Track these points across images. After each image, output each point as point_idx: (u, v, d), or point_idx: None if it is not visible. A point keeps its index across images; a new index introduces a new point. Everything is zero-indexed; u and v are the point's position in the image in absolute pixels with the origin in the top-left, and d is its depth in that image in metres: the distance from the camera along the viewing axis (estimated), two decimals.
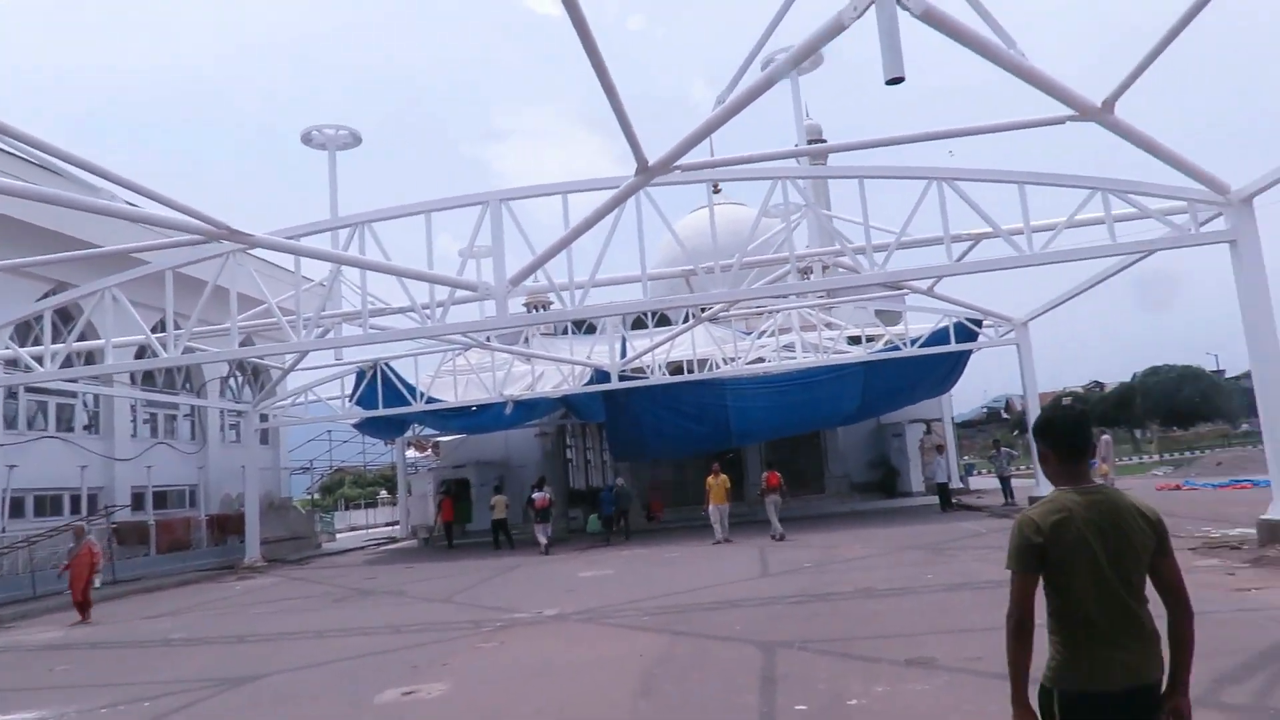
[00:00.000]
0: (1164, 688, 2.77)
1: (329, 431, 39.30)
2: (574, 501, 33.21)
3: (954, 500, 24.58)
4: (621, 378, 23.32)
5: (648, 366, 24.08)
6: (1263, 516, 12.01)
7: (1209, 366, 77.24)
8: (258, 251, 14.27)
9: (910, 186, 13.27)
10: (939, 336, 22.56)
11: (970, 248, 14.95)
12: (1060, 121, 10.75)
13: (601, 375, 23.59)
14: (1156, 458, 43.41)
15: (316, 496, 64.98)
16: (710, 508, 20.09)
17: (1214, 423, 68.27)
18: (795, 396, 23.99)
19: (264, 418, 25.69)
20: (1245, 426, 60.72)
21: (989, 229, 14.54)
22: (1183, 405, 68.47)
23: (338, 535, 38.75)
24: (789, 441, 33.58)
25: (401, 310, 15.85)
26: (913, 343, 22.53)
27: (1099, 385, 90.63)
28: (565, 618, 11.42)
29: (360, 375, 24.09)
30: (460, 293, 14.00)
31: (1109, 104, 10.29)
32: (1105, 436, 32.34)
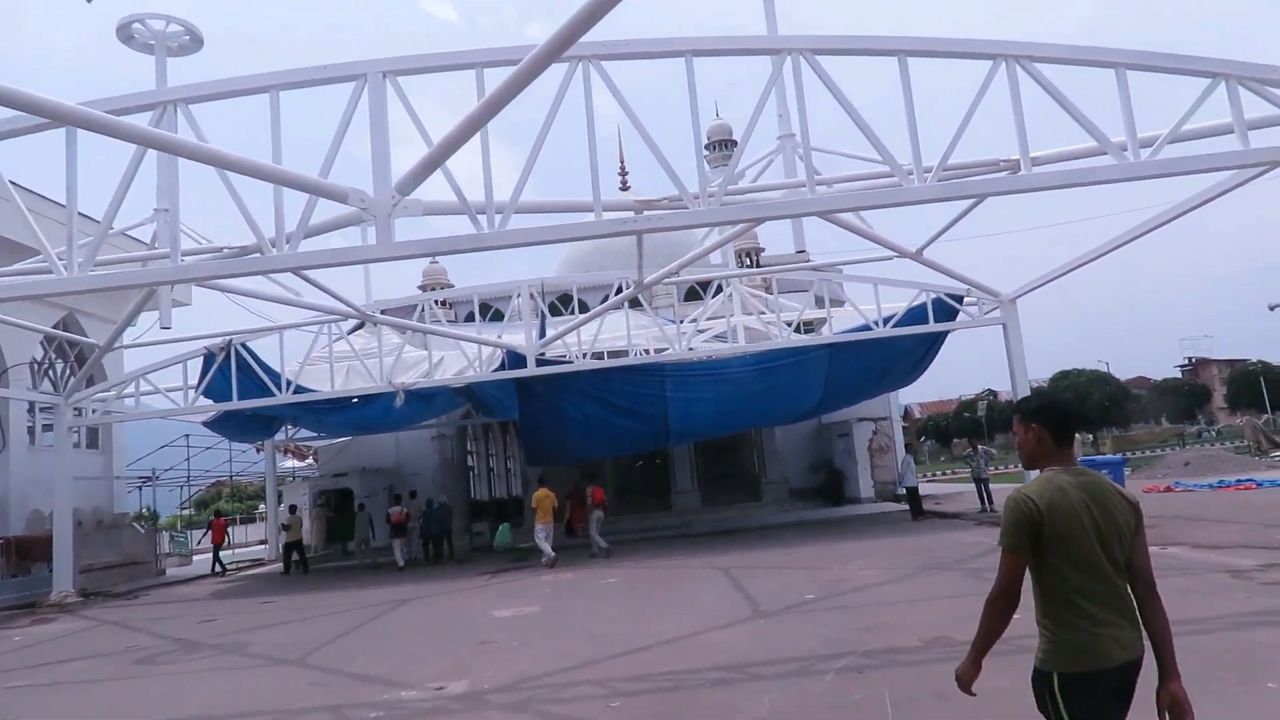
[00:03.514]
0: (1160, 675, 2.74)
1: (187, 436, 33.56)
2: (477, 515, 29.44)
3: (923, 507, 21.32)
4: (540, 362, 19.14)
5: (570, 351, 19.99)
6: None
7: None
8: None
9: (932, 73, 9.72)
10: (916, 314, 19.06)
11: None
12: None
13: (515, 360, 19.34)
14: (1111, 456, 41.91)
15: (190, 512, 58.04)
16: (537, 526, 18.04)
17: (1123, 428, 68.89)
18: (749, 387, 20.09)
19: (79, 412, 20.08)
20: (1196, 428, 61.87)
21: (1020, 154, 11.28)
22: (1093, 410, 68.74)
23: (195, 558, 33.02)
24: (719, 442, 29.93)
25: (240, 251, 11.32)
26: (885, 321, 19.03)
27: (993, 393, 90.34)
28: (481, 700, 7.21)
29: (209, 359, 18.97)
30: (321, 215, 9.66)
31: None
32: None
